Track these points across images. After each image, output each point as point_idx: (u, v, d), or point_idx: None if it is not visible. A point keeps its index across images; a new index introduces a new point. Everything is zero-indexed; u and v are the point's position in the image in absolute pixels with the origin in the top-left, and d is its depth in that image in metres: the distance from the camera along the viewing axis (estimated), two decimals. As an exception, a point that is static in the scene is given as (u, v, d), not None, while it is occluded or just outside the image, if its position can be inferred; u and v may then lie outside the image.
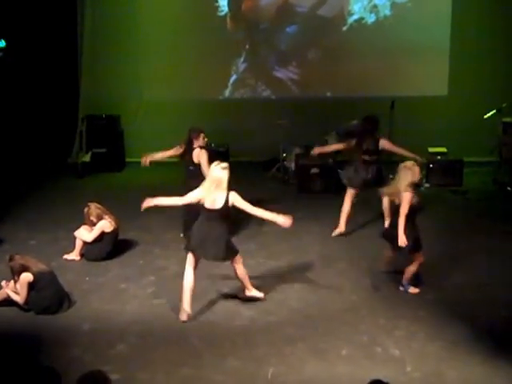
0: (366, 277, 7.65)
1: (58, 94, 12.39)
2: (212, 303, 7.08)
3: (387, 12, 12.34)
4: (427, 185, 10.92)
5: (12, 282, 7.02)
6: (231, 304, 7.07)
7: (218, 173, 6.59)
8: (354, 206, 8.87)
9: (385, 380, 4.20)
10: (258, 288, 7.17)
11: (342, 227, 8.86)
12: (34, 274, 6.87)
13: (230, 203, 6.58)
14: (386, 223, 8.98)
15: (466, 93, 12.14)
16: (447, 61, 12.35)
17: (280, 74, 12.74)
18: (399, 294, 7.24)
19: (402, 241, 6.93)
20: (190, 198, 6.73)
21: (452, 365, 5.91)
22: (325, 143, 10.69)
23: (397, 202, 7.08)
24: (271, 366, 5.91)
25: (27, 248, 8.35)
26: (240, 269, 6.93)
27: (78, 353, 6.17)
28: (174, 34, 12.59)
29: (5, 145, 11.50)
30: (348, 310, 6.92)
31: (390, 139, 9.14)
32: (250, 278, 7.10)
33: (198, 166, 8.33)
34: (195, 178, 7.75)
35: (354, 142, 8.76)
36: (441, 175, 11.03)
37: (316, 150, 9.36)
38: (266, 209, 6.72)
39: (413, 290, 7.28)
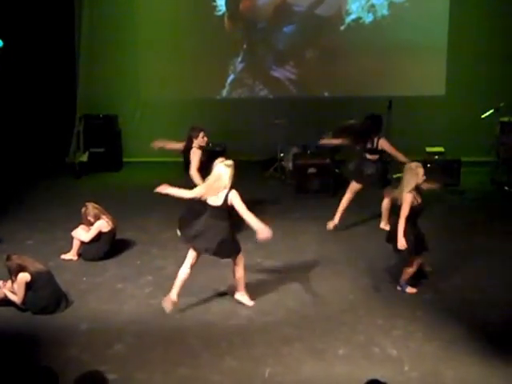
0: (364, 277, 7.65)
1: (56, 93, 12.38)
2: (209, 303, 7.08)
3: (385, 12, 12.33)
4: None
5: (9, 281, 7.01)
6: (228, 304, 7.06)
7: (221, 169, 6.60)
8: (352, 202, 8.86)
9: (382, 380, 4.21)
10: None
11: (336, 220, 8.91)
12: (31, 273, 6.86)
13: (229, 201, 6.58)
14: (382, 223, 9.00)
15: (463, 92, 12.13)
16: (445, 60, 12.34)
17: (278, 73, 12.73)
18: (397, 294, 7.24)
19: (402, 243, 6.87)
20: (197, 192, 6.78)
21: (449, 364, 5.91)
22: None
23: (399, 203, 7.00)
24: (268, 366, 5.90)
25: (24, 248, 8.34)
26: (239, 271, 6.93)
27: (76, 353, 6.17)
28: (172, 34, 12.59)
29: (2, 144, 11.50)
30: (345, 310, 6.92)
31: (388, 139, 9.14)
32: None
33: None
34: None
35: (358, 139, 8.78)
36: (438, 175, 11.00)
37: (322, 141, 9.56)
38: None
39: (410, 289, 7.26)
